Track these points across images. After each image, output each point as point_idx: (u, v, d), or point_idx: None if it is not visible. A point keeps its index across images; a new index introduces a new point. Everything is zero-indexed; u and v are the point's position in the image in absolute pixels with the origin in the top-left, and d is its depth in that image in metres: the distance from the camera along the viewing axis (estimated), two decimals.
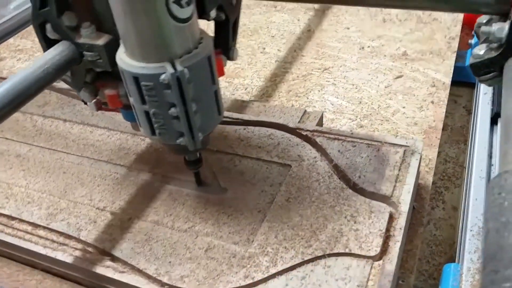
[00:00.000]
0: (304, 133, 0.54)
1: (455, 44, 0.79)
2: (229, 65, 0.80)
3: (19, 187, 0.53)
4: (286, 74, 0.75)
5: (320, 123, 0.61)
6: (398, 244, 0.42)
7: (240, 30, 0.89)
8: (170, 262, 0.42)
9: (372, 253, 0.41)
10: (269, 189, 0.49)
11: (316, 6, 0.91)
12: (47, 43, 0.40)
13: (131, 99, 0.38)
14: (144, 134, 0.41)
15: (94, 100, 0.43)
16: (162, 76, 0.34)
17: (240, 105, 0.65)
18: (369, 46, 0.80)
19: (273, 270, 0.41)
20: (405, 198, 0.45)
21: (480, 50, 0.37)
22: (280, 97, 0.70)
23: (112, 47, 0.38)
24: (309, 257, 0.41)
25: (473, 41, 0.85)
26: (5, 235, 0.48)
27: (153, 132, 0.39)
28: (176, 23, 0.34)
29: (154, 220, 0.47)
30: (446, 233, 0.56)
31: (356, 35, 0.84)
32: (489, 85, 0.38)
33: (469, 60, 0.39)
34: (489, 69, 0.37)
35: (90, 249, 0.45)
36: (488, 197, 0.27)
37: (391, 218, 0.44)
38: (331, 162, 0.50)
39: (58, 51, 0.39)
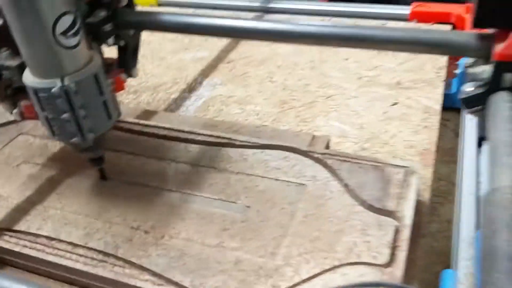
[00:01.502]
0: (316, 156, 0.60)
1: (443, 74, 0.87)
2: (241, 93, 0.87)
3: (55, 209, 0.57)
4: (293, 101, 0.82)
5: (327, 146, 0.68)
6: (404, 254, 0.48)
7: (248, 60, 0.97)
8: (203, 274, 0.47)
9: (383, 262, 0.47)
10: (288, 207, 0.54)
11: None
12: None
13: (35, 107, 0.49)
14: (48, 136, 0.52)
15: (15, 111, 0.55)
16: (53, 89, 0.45)
17: (254, 130, 0.71)
18: (366, 76, 0.88)
19: (297, 279, 0.46)
20: (408, 213, 0.52)
21: (469, 88, 0.44)
22: (289, 123, 0.77)
23: (23, 67, 0.49)
24: (328, 266, 0.47)
25: (457, 70, 0.94)
26: (46, 254, 0.52)
27: (53, 133, 0.50)
28: (64, 50, 0.45)
29: (185, 237, 0.52)
30: (442, 244, 0.62)
31: (354, 65, 0.92)
32: (476, 116, 0.46)
33: (460, 95, 0.46)
34: (477, 103, 0.44)
35: (127, 265, 0.50)
36: (482, 210, 0.33)
37: (397, 230, 0.50)
38: (342, 182, 0.57)
39: None
